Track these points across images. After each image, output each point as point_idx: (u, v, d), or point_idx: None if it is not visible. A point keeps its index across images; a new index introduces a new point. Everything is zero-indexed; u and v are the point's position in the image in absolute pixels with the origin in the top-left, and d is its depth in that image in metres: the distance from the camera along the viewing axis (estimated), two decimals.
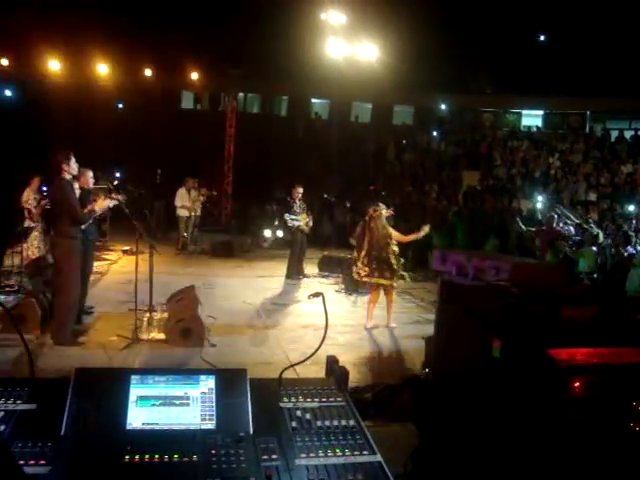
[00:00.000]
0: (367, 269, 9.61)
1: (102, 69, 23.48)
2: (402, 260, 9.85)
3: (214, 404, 2.21)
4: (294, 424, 2.21)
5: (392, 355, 8.34)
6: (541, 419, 2.63)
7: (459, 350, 3.14)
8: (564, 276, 4.85)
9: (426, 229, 10.13)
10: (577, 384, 2.62)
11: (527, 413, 2.66)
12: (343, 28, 21.25)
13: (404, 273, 9.81)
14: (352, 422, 2.24)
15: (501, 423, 2.79)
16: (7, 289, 10.20)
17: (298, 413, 2.25)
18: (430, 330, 6.90)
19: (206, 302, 9.39)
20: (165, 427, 2.12)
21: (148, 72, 24.23)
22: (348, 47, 21.53)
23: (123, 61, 24.61)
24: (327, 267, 14.59)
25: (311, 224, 14.15)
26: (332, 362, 2.68)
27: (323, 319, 2.56)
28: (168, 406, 2.18)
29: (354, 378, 6.20)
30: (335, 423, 2.23)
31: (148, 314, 8.70)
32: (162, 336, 8.19)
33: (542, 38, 32.04)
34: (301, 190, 13.90)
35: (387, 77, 23.90)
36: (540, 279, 3.28)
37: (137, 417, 2.14)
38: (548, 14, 28.51)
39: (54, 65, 22.57)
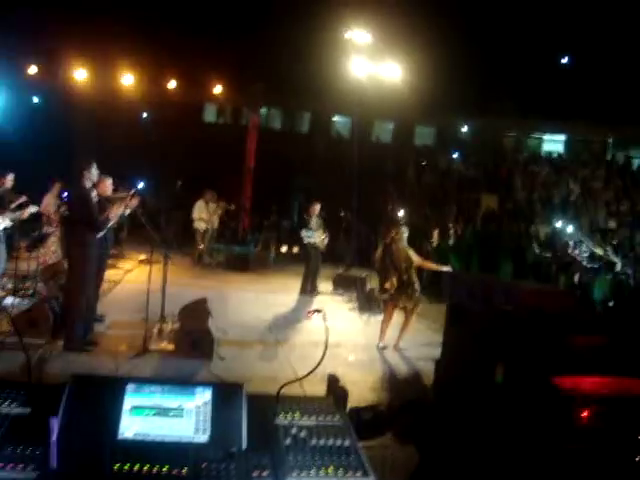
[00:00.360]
0: (394, 291, 9.61)
1: (128, 79, 23.69)
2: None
3: (209, 417, 2.19)
4: (288, 441, 2.18)
5: (401, 376, 8.26)
6: (542, 449, 2.57)
7: (463, 373, 3.10)
8: (574, 303, 4.78)
9: (448, 268, 10.20)
10: (581, 414, 2.56)
11: (528, 442, 2.61)
12: (367, 47, 21.37)
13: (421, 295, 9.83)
14: (347, 442, 2.21)
15: (501, 450, 2.74)
16: (22, 293, 10.26)
17: (293, 431, 2.23)
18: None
19: (218, 315, 9.37)
20: (157, 438, 2.10)
21: (172, 84, 24.41)
22: (372, 66, 21.62)
23: (148, 72, 24.83)
24: (341, 284, 14.54)
25: (327, 241, 14.14)
26: (333, 381, 2.66)
27: (333, 337, 2.54)
28: (162, 417, 2.16)
29: (360, 397, 6.14)
30: (330, 442, 2.20)
31: (159, 324, 8.72)
32: (172, 347, 8.19)
33: (565, 61, 32.00)
34: (318, 207, 13.91)
35: (409, 97, 23.94)
36: (549, 305, 3.23)
37: (130, 427, 2.12)
38: (573, 38, 28.49)
39: (80, 74, 22.81)
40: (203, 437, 2.13)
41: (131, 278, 13.62)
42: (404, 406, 3.57)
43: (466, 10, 27.46)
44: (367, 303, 12.69)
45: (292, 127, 33.14)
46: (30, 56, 22.60)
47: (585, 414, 2.57)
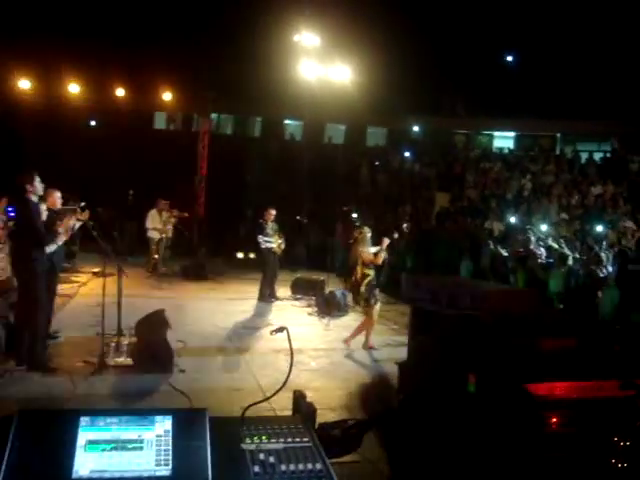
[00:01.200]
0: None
1: (73, 88, 23.23)
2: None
3: (170, 448, 2.04)
4: (257, 469, 2.05)
5: (365, 380, 8.17)
6: (519, 458, 2.51)
7: (433, 383, 3.02)
8: (538, 303, 4.75)
9: (386, 241, 10.10)
10: (556, 420, 2.50)
11: (505, 451, 2.54)
12: (317, 50, 21.33)
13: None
14: (319, 465, 2.09)
15: (476, 460, 2.67)
16: None
17: (261, 456, 2.10)
18: (403, 354, 6.82)
19: (176, 326, 9.16)
20: (116, 475, 1.94)
21: (121, 92, 24.01)
22: (322, 69, 21.60)
23: (95, 81, 24.38)
24: (299, 289, 14.44)
25: (283, 246, 14.05)
26: (299, 397, 2.53)
27: (297, 343, 2.43)
28: (120, 451, 2.00)
29: (325, 406, 6.05)
30: (301, 467, 2.07)
31: (116, 339, 8.50)
32: (130, 361, 7.97)
33: (510, 59, 32.53)
34: (274, 212, 13.81)
35: (360, 99, 24.02)
36: (515, 307, 3.18)
37: (85, 464, 1.96)
38: (518, 36, 28.95)
39: (24, 84, 22.31)
40: (165, 470, 1.98)
41: (85, 292, 13.29)
42: (372, 420, 3.47)
43: (414, 10, 27.66)
44: (326, 307, 12.62)
45: (244, 132, 32.93)
46: None
47: (561, 419, 2.52)
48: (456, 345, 2.91)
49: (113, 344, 8.39)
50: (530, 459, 2.49)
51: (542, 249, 14.50)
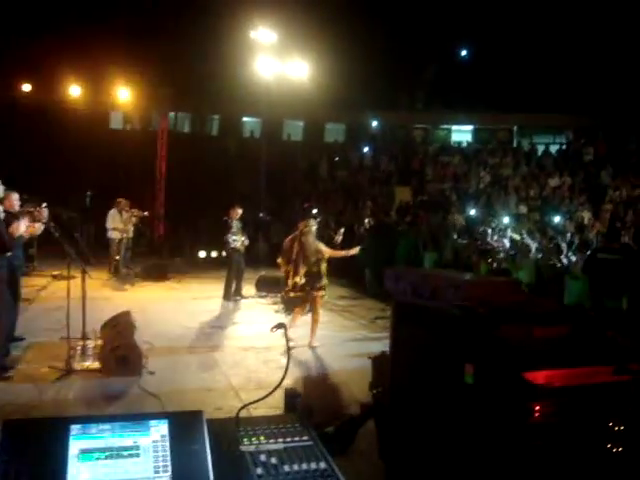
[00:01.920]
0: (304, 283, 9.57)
1: (25, 87, 22.75)
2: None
3: (168, 453, 1.95)
4: (259, 471, 1.96)
5: (340, 376, 8.11)
6: (522, 446, 2.48)
7: (422, 376, 2.98)
8: (522, 292, 4.76)
9: (356, 250, 10.23)
10: (556, 407, 2.48)
11: (506, 439, 2.52)
12: (273, 46, 21.23)
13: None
14: (323, 464, 2.01)
15: (477, 454, 2.63)
16: None
17: (262, 457, 2.01)
18: (374, 348, 6.77)
19: (142, 327, 8.99)
20: None
21: (75, 91, 23.56)
22: (279, 65, 21.51)
23: (48, 79, 23.90)
24: (264, 287, 14.31)
25: (247, 243, 13.95)
26: (292, 396, 2.46)
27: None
28: (115, 459, 1.88)
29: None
30: (305, 467, 1.99)
31: (81, 342, 8.31)
32: (97, 365, 7.79)
33: (465, 53, 32.87)
34: (240, 210, 13.74)
35: (318, 95, 24.04)
36: (502, 297, 3.16)
37: (79, 475, 1.84)
38: (473, 30, 29.27)
39: None
40: (165, 476, 1.88)
41: (46, 295, 13.00)
42: (363, 414, 3.41)
43: (371, 5, 27.73)
44: (292, 304, 12.54)
45: (202, 130, 32.63)
46: None
47: (560, 407, 2.50)
48: (452, 336, 2.87)
49: (79, 348, 8.21)
50: (529, 447, 2.48)
51: (504, 240, 14.66)
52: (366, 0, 27.89)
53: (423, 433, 3.02)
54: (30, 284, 13.75)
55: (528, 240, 13.96)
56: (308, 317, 10.35)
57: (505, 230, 15.67)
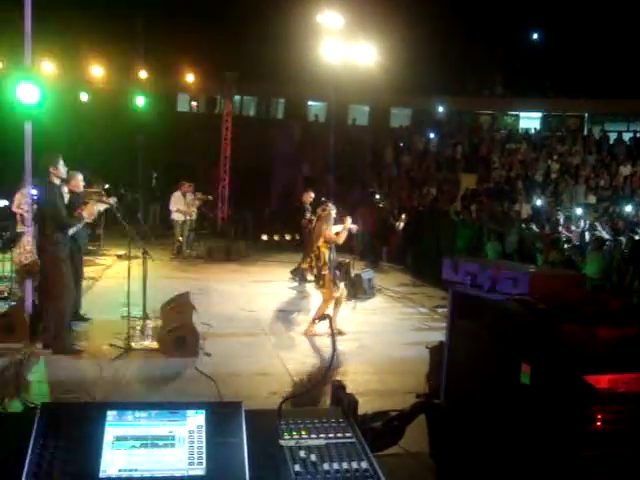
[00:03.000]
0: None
1: (97, 71, 23.22)
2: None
3: (203, 445, 1.88)
4: (297, 467, 1.88)
5: (395, 366, 7.96)
6: (579, 453, 2.34)
7: (478, 373, 2.85)
8: (585, 287, 4.55)
9: (348, 223, 9.68)
10: (621, 415, 2.33)
11: (562, 446, 2.37)
12: (340, 30, 21.04)
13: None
14: (364, 464, 1.91)
15: (531, 458, 2.50)
16: None
17: (302, 454, 1.93)
18: (433, 338, 6.62)
19: (201, 308, 9.10)
20: (146, 474, 1.79)
21: (144, 74, 23.94)
22: (345, 49, 21.32)
23: (119, 63, 24.35)
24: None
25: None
26: (338, 389, 2.36)
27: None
28: (150, 448, 1.84)
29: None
30: (345, 466, 1.89)
31: (141, 322, 8.44)
32: (155, 345, 7.89)
33: (536, 37, 31.99)
34: (313, 194, 13.83)
35: (384, 79, 23.72)
36: (566, 292, 2.99)
37: (113, 462, 1.81)
38: (544, 14, 28.40)
39: (47, 67, 22.31)
40: (199, 469, 1.82)
41: (110, 274, 13.26)
42: (414, 410, 3.31)
43: None
44: (352, 288, 12.44)
45: (267, 114, 32.74)
46: None
47: (625, 414, 2.34)
48: (508, 332, 2.73)
49: (139, 327, 8.33)
50: (588, 456, 2.33)
51: (575, 231, 14.20)
52: None
53: (476, 433, 2.89)
54: (96, 263, 14.08)
55: (604, 233, 13.49)
56: (351, 303, 10.22)
57: (577, 221, 15.21)
